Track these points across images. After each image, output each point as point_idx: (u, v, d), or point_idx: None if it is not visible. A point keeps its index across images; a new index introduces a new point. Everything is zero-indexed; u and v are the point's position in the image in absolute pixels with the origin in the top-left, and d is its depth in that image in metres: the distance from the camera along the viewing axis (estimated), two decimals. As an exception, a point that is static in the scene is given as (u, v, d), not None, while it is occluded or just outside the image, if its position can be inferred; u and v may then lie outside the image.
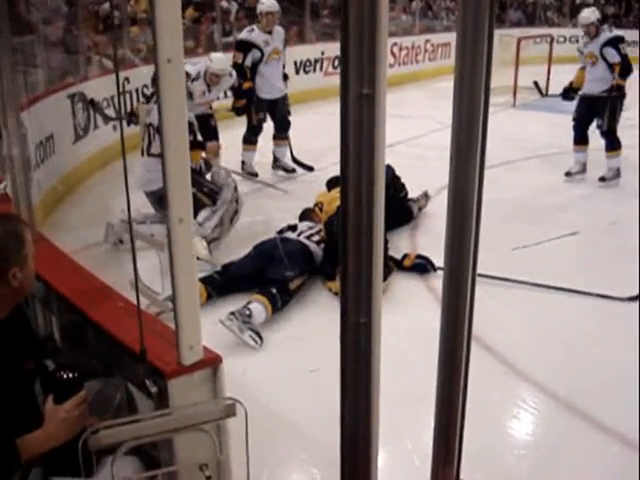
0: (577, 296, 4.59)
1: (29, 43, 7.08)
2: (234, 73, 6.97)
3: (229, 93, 7.65)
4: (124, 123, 6.04)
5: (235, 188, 5.48)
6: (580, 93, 7.27)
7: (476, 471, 2.26)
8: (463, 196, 1.50)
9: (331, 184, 5.68)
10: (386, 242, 4.93)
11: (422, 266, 4.98)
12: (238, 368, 3.68)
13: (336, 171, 1.42)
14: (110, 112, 7.82)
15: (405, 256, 5.07)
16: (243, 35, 7.39)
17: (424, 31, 16.41)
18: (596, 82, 7.06)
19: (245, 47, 7.19)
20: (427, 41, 15.84)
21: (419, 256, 5.06)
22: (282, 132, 7.53)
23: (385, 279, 4.60)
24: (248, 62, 7.12)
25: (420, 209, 6.21)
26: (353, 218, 1.31)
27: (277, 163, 7.65)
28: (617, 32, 7.39)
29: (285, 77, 7.56)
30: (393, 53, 14.62)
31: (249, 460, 1.80)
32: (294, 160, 7.53)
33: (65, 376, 1.91)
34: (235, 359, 3.76)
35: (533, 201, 6.77)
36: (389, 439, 3.08)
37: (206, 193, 5.33)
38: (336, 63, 12.37)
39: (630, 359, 3.83)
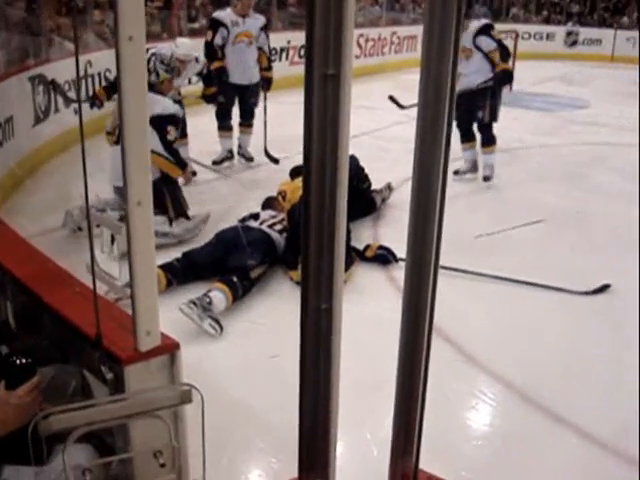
0: (536, 288, 4.63)
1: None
2: (201, 58, 6.87)
3: (194, 79, 7.53)
4: (87, 106, 5.92)
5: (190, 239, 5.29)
6: (458, 90, 7.11)
7: (434, 461, 2.26)
8: (427, 186, 1.49)
9: (294, 173, 5.65)
10: (349, 232, 4.94)
11: (384, 257, 4.98)
12: (198, 355, 3.66)
13: (300, 160, 1.40)
14: (72, 95, 7.69)
15: (367, 247, 5.07)
16: (215, 13, 7.31)
17: (391, 23, 16.44)
18: (474, 75, 6.87)
19: (214, 25, 7.07)
20: (393, 33, 15.87)
21: (381, 247, 5.06)
22: (246, 120, 7.47)
23: (347, 269, 4.60)
24: (218, 40, 6.99)
25: (383, 200, 6.21)
26: (316, 196, 1.29)
27: (240, 151, 7.60)
28: (485, 21, 7.22)
29: (267, 68, 7.39)
30: (359, 44, 14.61)
31: (205, 448, 1.78)
32: (266, 152, 7.46)
33: (18, 361, 1.86)
34: (195, 346, 3.73)
35: (492, 194, 6.83)
36: (348, 428, 3.08)
37: (174, 204, 5.23)
38: (302, 52, 12.32)
39: (588, 352, 3.89)
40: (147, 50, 1.85)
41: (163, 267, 4.40)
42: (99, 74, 8.48)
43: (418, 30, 16.82)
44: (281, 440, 2.99)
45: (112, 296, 3.55)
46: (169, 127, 5.01)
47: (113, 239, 4.14)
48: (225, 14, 7.07)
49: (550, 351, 3.91)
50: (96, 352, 1.94)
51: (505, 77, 6.90)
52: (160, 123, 4.91)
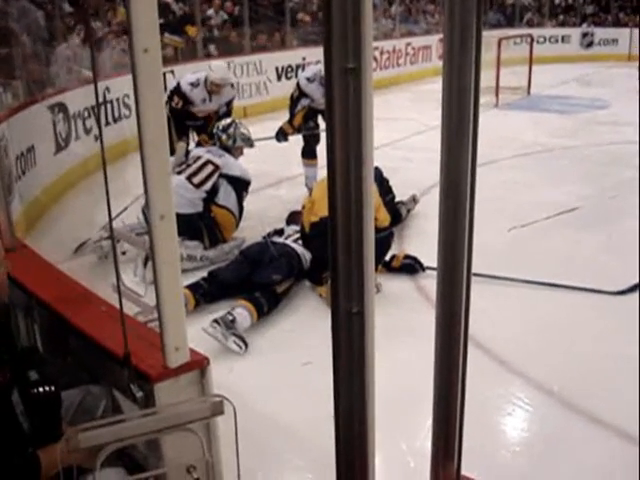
0: (566, 290, 4.56)
1: (5, 55, 7.04)
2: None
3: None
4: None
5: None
6: None
7: (473, 469, 2.20)
8: (455, 194, 1.44)
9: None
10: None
11: (410, 266, 4.94)
12: (226, 372, 3.63)
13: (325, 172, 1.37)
14: (91, 122, 7.75)
15: (394, 257, 5.02)
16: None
17: (405, 35, 16.44)
18: None
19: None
20: (408, 44, 15.88)
21: (407, 256, 5.02)
22: None
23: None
24: None
25: (408, 211, 6.16)
26: (341, 194, 1.25)
27: None
28: None
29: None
30: (374, 57, 14.63)
31: (239, 460, 1.74)
32: None
33: (42, 390, 1.84)
34: (223, 364, 3.70)
35: (516, 198, 6.74)
36: (382, 440, 3.03)
37: (209, 234, 5.25)
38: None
39: (623, 352, 3.81)
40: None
41: (190, 287, 4.38)
42: (117, 99, 8.55)
43: (432, 40, 16.83)
44: (315, 453, 2.94)
45: (141, 319, 3.53)
46: (244, 193, 5.44)
47: (146, 264, 4.14)
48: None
49: (585, 353, 3.84)
50: (125, 371, 1.92)
51: None
52: (239, 185, 5.39)
